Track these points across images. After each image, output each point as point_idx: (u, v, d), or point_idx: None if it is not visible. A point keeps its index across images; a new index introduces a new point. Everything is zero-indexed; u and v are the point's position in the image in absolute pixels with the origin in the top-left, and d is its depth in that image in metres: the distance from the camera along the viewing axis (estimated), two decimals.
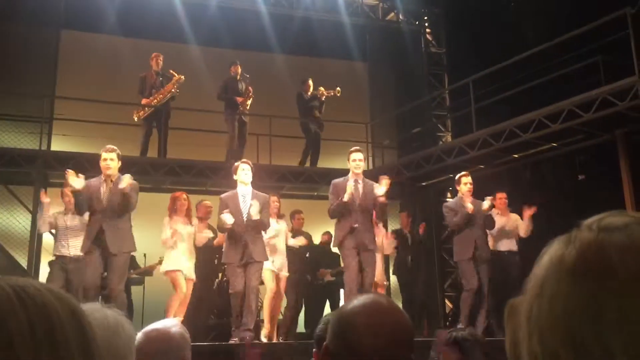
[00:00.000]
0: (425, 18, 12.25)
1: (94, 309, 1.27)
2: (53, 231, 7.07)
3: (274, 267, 6.87)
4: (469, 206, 6.73)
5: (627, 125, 7.15)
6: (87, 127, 9.42)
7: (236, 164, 6.35)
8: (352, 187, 6.13)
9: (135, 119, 9.19)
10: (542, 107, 7.65)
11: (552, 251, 0.65)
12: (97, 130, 9.44)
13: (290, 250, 7.37)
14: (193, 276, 6.73)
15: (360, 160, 6.30)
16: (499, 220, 7.41)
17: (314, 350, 1.22)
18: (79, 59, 10.39)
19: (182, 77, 9.26)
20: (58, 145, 9.62)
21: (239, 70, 9.47)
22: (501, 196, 7.65)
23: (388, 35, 12.02)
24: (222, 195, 6.22)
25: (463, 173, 7.10)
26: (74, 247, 6.62)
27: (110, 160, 5.62)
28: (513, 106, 8.41)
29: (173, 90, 9.19)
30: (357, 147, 6.51)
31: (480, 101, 8.86)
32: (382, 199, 6.26)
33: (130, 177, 5.65)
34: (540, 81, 8.19)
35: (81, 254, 5.84)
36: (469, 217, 6.73)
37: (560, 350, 0.59)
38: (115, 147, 5.74)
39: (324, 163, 10.09)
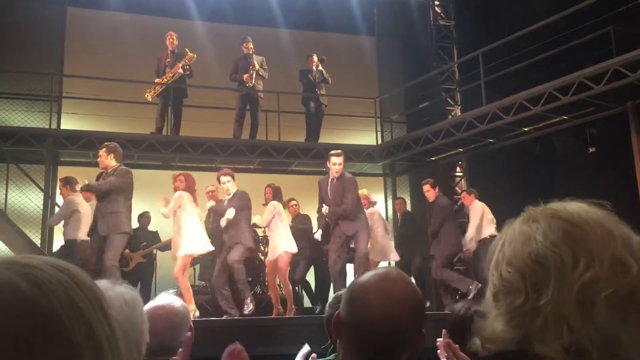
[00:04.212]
0: None
1: (106, 287, 1.30)
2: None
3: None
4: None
5: (638, 96, 7.07)
6: (97, 105, 9.44)
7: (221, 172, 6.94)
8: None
9: (149, 98, 9.20)
10: (552, 79, 7.57)
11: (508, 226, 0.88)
12: (107, 109, 9.47)
13: (294, 229, 7.73)
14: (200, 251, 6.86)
15: (340, 164, 6.72)
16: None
17: (336, 312, 1.27)
18: (86, 36, 10.35)
19: (194, 55, 9.22)
20: (68, 123, 9.65)
21: (250, 47, 9.33)
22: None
23: (396, 8, 11.87)
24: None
25: (425, 181, 7.85)
26: (83, 230, 7.03)
27: (99, 157, 6.30)
28: (523, 79, 8.33)
29: (181, 69, 9.15)
30: (338, 152, 6.83)
31: (490, 74, 8.76)
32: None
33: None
34: (551, 53, 8.09)
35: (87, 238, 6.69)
36: None
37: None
38: (104, 144, 6.34)
39: (333, 138, 10.08)
